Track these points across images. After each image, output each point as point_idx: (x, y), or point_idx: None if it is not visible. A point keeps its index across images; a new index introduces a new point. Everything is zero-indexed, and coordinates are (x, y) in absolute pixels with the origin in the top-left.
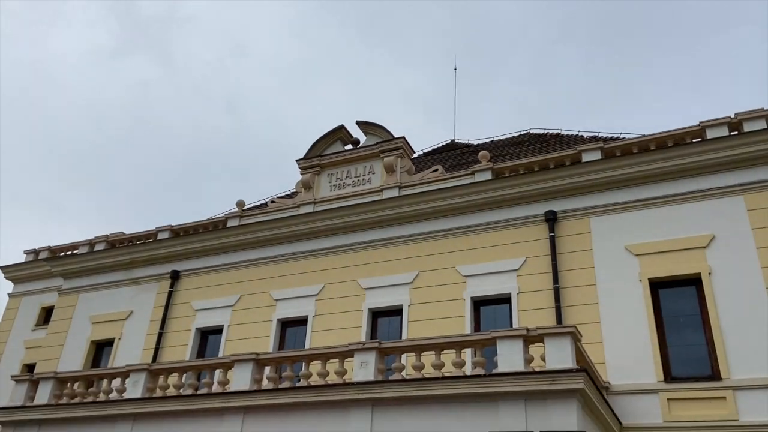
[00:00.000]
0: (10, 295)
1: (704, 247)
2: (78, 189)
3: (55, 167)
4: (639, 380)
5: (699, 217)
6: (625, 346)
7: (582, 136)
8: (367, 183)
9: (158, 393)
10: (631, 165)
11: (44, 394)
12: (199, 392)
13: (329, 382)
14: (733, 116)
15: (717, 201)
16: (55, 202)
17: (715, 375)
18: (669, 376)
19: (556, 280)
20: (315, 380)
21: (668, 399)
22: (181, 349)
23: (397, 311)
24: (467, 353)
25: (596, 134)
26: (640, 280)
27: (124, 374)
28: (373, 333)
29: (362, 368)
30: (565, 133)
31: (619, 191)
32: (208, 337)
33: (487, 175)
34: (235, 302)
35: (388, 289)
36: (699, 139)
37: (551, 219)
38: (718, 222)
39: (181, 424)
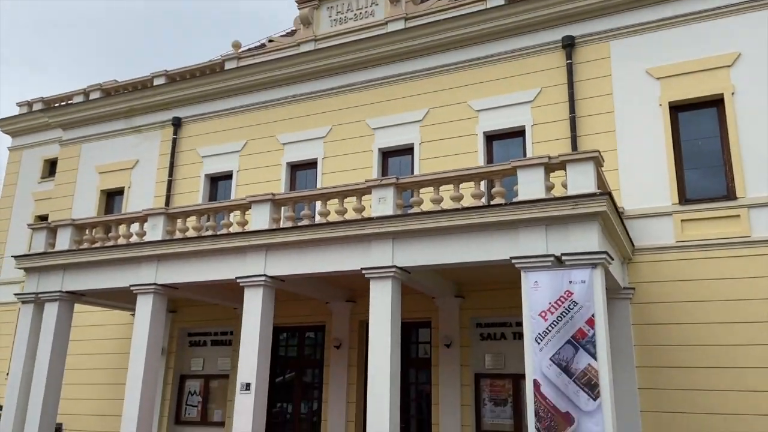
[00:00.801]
0: (10, 149)
1: (729, 66)
2: (57, 46)
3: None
4: (653, 204)
5: (725, 35)
6: (642, 172)
7: None
8: (370, 16)
9: (178, 235)
10: None
11: (64, 240)
12: (219, 233)
13: (348, 219)
14: None
15: (744, 16)
16: (35, 60)
17: (730, 195)
18: (684, 199)
19: (572, 109)
20: (333, 218)
21: (681, 220)
22: (192, 195)
23: (407, 150)
24: (486, 185)
25: None
26: (660, 104)
27: (142, 218)
28: (383, 173)
29: (380, 204)
30: None
31: (641, 10)
32: (217, 183)
33: (500, 0)
34: (241, 148)
35: (398, 128)
36: None
37: (569, 45)
38: (744, 39)
39: (205, 264)
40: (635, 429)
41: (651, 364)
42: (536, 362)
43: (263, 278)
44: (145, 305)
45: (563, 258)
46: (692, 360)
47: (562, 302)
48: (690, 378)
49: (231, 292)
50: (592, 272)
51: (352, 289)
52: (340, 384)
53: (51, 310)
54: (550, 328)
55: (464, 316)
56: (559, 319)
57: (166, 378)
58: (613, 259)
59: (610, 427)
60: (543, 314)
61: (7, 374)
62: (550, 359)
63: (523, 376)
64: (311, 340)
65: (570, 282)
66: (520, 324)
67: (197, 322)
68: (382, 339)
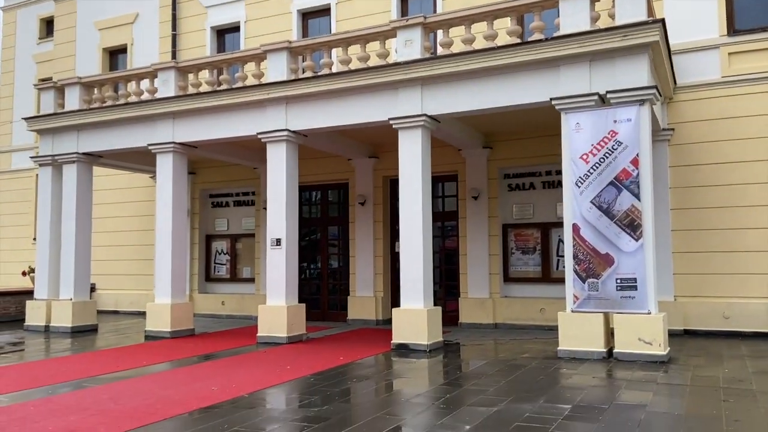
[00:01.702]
0: (3, 9)
1: None
2: None
3: None
4: (699, 36)
5: None
6: (687, 0)
7: None
8: None
9: (191, 91)
10: None
11: (73, 100)
12: (235, 86)
13: (373, 65)
14: None
15: None
16: None
17: None
18: (732, 29)
19: None
20: (356, 65)
21: (729, 53)
22: (198, 51)
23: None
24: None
25: None
26: None
27: (152, 74)
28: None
29: (407, 47)
30: None
31: None
32: (224, 36)
33: None
34: None
35: None
36: None
37: None
38: None
39: (223, 120)
40: (667, 269)
41: (685, 205)
42: (576, 206)
43: (285, 133)
44: (165, 165)
45: (608, 96)
46: (730, 199)
47: (606, 143)
48: (726, 218)
49: (251, 150)
50: (639, 110)
51: (376, 144)
52: (366, 239)
53: (70, 173)
54: (591, 171)
55: (492, 167)
56: (602, 160)
57: (192, 238)
58: (661, 96)
59: (651, 267)
60: (584, 157)
61: (34, 239)
62: (591, 202)
63: (551, 225)
64: (335, 197)
65: (615, 121)
66: (549, 173)
67: (218, 184)
68: (413, 191)
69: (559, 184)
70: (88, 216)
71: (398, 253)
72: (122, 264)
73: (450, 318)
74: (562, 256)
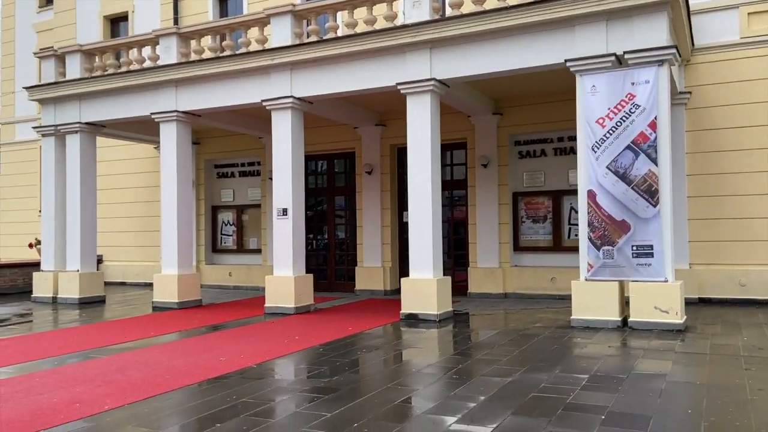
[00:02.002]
0: None
1: None
2: None
3: None
4: None
5: None
6: None
7: None
8: None
9: (194, 57)
10: None
11: (74, 69)
12: (238, 52)
13: (380, 28)
14: None
15: None
16: None
17: None
18: None
19: None
20: (362, 28)
21: (748, 13)
22: (201, 17)
23: None
24: None
25: None
26: None
27: (153, 41)
28: None
29: (415, 8)
30: None
31: None
32: (226, 2)
33: None
34: None
35: None
36: None
37: None
38: None
39: (227, 87)
40: (683, 237)
41: (702, 171)
42: (591, 172)
43: (290, 100)
44: (169, 134)
45: (626, 56)
46: (747, 165)
47: (623, 106)
48: (743, 184)
49: (256, 119)
50: (658, 71)
51: (383, 111)
52: (373, 209)
53: (73, 143)
54: (607, 135)
55: (502, 134)
56: (618, 124)
57: (198, 209)
58: (680, 56)
59: (668, 234)
60: (601, 121)
61: (40, 211)
62: (607, 167)
63: (563, 192)
64: (341, 167)
65: (632, 84)
66: (561, 139)
67: (223, 154)
68: (422, 158)
69: (572, 150)
70: (92, 187)
71: (406, 223)
72: (129, 236)
73: (459, 288)
74: (574, 225)
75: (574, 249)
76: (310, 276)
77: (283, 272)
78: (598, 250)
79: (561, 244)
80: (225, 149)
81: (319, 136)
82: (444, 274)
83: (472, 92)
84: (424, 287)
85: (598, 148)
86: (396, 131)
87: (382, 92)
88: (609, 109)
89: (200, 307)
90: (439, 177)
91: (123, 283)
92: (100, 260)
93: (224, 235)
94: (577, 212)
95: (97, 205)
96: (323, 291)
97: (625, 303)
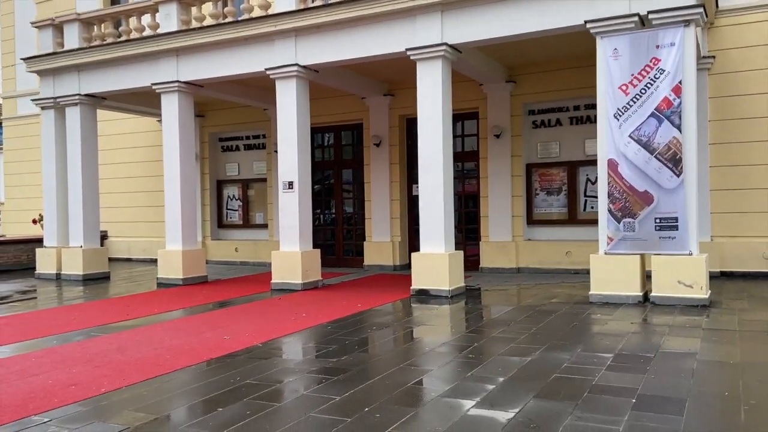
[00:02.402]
0: None
1: None
2: None
3: None
4: None
5: None
6: None
7: None
8: None
9: (195, 25)
10: None
11: (72, 38)
12: (240, 19)
13: None
14: None
15: None
16: None
17: None
18: None
19: None
20: None
21: None
22: None
23: None
24: None
25: None
26: None
27: (153, 8)
28: None
29: None
30: None
31: None
32: None
33: None
34: None
35: None
36: None
37: None
38: None
39: (229, 56)
40: (705, 208)
41: (725, 140)
42: (612, 141)
43: (295, 68)
44: (170, 106)
45: (649, 17)
46: None
47: (648, 72)
48: (767, 153)
49: (260, 90)
50: (684, 32)
51: (391, 80)
52: (382, 182)
53: (73, 115)
54: (631, 103)
55: (515, 103)
56: (643, 91)
57: (203, 183)
58: (707, 17)
59: (693, 205)
60: (624, 87)
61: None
62: (629, 136)
63: (579, 163)
64: (348, 139)
65: (657, 47)
66: (577, 107)
67: (227, 126)
68: (433, 128)
69: (588, 119)
70: (94, 161)
71: (416, 197)
72: (134, 211)
73: (471, 263)
74: (590, 197)
75: (590, 222)
76: (317, 251)
77: (289, 247)
78: (619, 223)
79: (576, 216)
80: (229, 122)
81: (325, 107)
82: (456, 249)
83: (485, 58)
84: (436, 262)
85: (620, 116)
86: (405, 101)
87: (391, 59)
88: (633, 75)
89: (205, 284)
90: (451, 147)
91: (129, 259)
92: (104, 236)
93: (230, 210)
94: (593, 183)
95: (98, 180)
96: (331, 266)
97: (646, 277)
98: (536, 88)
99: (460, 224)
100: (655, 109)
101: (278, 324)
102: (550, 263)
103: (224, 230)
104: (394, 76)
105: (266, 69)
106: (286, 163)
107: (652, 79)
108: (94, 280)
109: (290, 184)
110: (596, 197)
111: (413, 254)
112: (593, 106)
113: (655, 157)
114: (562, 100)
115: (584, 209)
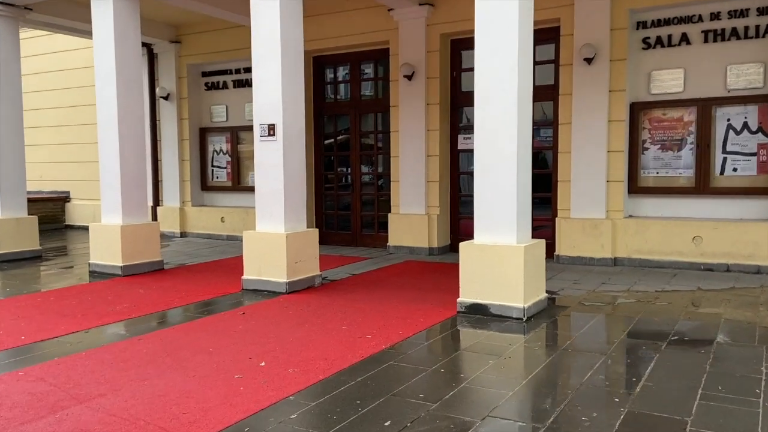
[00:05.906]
0: None
1: None
2: None
3: None
4: None
5: None
6: None
7: None
8: None
9: None
10: None
11: None
12: None
13: None
14: None
15: None
16: None
17: None
18: None
19: None
20: None
21: None
22: None
23: None
24: None
25: None
26: None
27: None
28: None
29: None
30: None
31: None
32: None
33: None
34: None
35: None
36: None
37: None
38: None
39: None
40: None
41: None
42: None
43: None
44: (102, 15)
45: None
46: None
47: None
48: None
49: None
50: None
51: None
52: (415, 131)
53: None
54: None
55: (618, 10)
56: None
57: (181, 132)
58: None
59: None
60: None
61: None
62: None
63: (714, 101)
64: (370, 71)
65: None
66: (717, 16)
67: (210, 56)
68: (499, 50)
69: (732, 34)
70: (16, 91)
71: (463, 151)
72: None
73: None
74: (733, 153)
75: (732, 192)
76: (315, 232)
77: (269, 226)
78: None
79: (708, 184)
80: (213, 49)
81: (336, 26)
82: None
83: None
84: (502, 260)
85: None
86: (451, 12)
87: None
88: None
89: (157, 273)
90: (530, 82)
91: None
92: (67, 198)
93: (216, 167)
94: (738, 133)
95: (23, 117)
96: (345, 246)
97: None
98: None
99: None
100: None
101: (206, 390)
102: (666, 253)
103: (209, 193)
104: None
105: None
106: (265, 97)
107: None
108: (12, 263)
109: (270, 129)
110: (744, 154)
111: (462, 245)
112: (737, 13)
113: None
114: (686, 4)
115: (721, 172)
